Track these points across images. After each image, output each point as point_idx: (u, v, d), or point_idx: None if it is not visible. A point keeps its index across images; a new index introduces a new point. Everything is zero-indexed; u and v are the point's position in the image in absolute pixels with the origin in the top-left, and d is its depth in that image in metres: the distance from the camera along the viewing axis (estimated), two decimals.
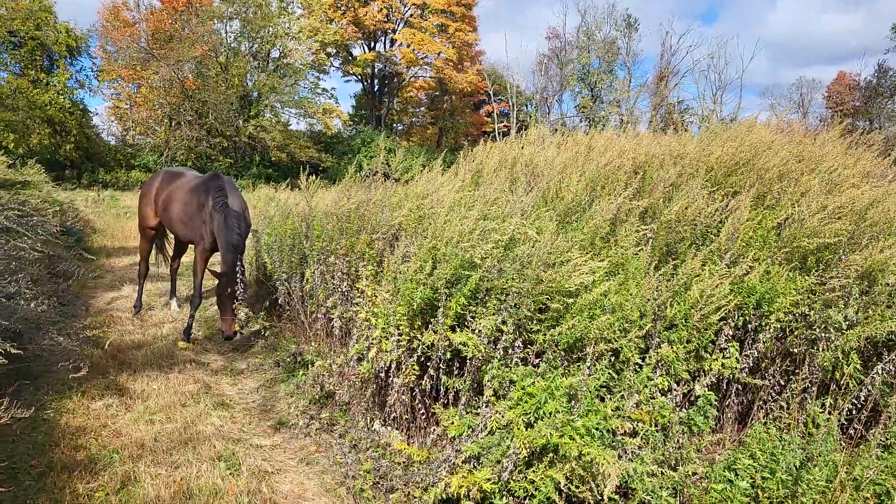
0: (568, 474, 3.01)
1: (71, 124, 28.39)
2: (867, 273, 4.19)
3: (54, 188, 14.59)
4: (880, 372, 4.04)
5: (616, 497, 3.06)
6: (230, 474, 3.87)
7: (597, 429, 3.08)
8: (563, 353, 3.63)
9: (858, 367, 4.10)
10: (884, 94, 42.50)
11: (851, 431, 4.15)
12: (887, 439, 3.71)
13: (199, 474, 3.84)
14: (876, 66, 45.46)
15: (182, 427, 4.50)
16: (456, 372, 3.91)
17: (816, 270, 4.24)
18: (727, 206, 4.60)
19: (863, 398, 4.08)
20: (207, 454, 4.11)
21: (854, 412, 4.11)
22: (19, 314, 5.10)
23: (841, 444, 4.03)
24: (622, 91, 42.95)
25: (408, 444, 3.88)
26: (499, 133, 38.49)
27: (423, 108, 46.41)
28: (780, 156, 4.89)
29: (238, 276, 5.92)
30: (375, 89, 45.01)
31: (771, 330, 4.10)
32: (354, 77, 44.80)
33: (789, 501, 3.12)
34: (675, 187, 4.91)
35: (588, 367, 3.35)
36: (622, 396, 3.54)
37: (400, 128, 47.46)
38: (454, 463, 3.39)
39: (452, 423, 3.59)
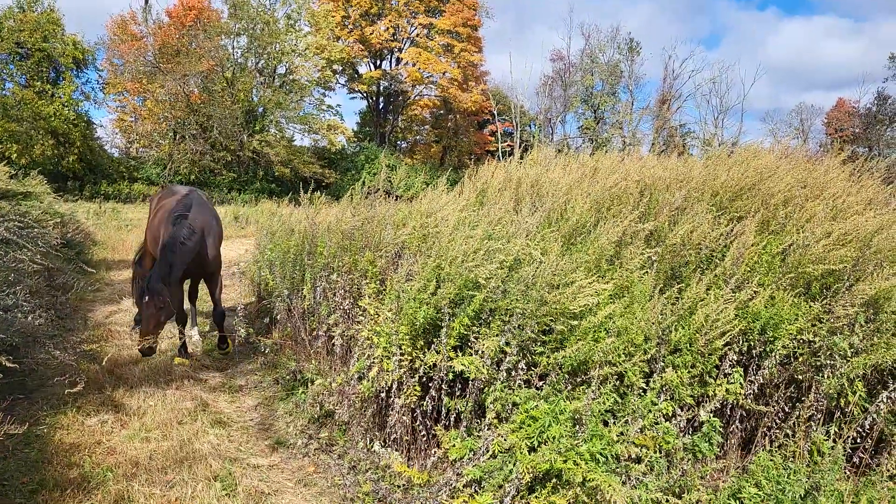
0: (571, 500, 2.96)
1: (75, 136, 28.57)
2: (872, 300, 4.15)
3: (56, 200, 14.59)
4: (885, 400, 3.99)
5: None
6: (226, 495, 3.81)
7: (601, 454, 3.03)
8: (566, 375, 3.58)
9: (863, 394, 4.05)
10: (883, 122, 42.77)
11: (856, 460, 4.09)
12: (893, 469, 3.65)
13: (194, 494, 3.78)
14: (875, 93, 45.78)
15: (178, 445, 4.44)
16: (458, 393, 3.87)
17: (822, 297, 4.21)
18: (732, 230, 4.58)
19: (868, 426, 4.03)
20: (203, 474, 4.04)
21: (859, 440, 4.06)
22: (16, 327, 5.06)
23: (846, 473, 3.97)
24: (625, 113, 43.25)
25: (408, 467, 3.82)
26: (502, 152, 38.66)
27: (427, 127, 46.72)
28: (784, 181, 4.89)
29: (158, 292, 5.31)
30: (380, 107, 45.33)
31: (776, 356, 4.05)
32: (360, 94, 45.15)
33: None
34: (680, 211, 4.90)
35: (592, 391, 3.30)
36: (626, 421, 3.49)
37: (404, 145, 47.74)
38: (455, 487, 3.33)
39: (454, 445, 3.54)
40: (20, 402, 4.90)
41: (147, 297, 5.24)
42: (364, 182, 7.16)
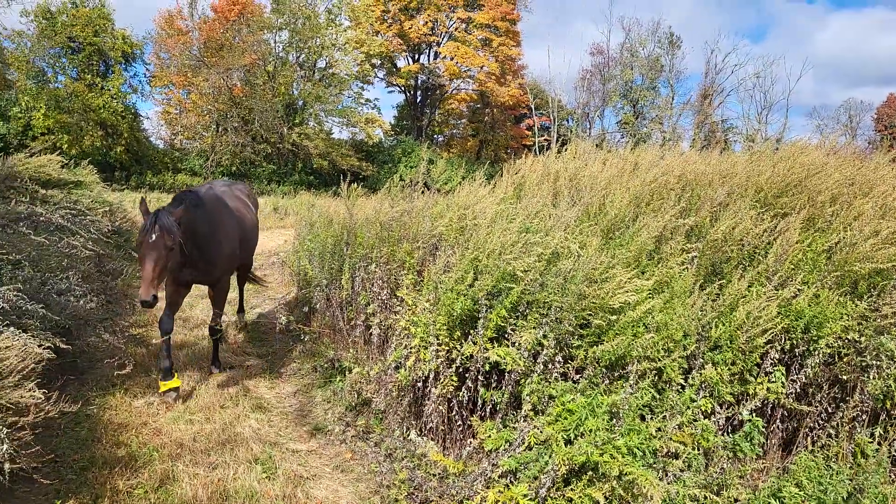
0: (607, 494, 2.96)
1: (122, 127, 29.40)
2: None
3: (104, 189, 15.06)
4: None
5: None
6: (266, 478, 3.92)
7: (638, 449, 3.02)
8: (604, 370, 3.58)
9: None
10: None
11: None
12: None
13: (235, 476, 3.89)
14: None
15: (220, 428, 4.58)
16: (494, 385, 3.89)
17: (868, 296, 4.10)
18: (776, 227, 4.49)
19: None
20: (244, 456, 4.16)
21: None
22: (69, 310, 5.29)
23: (891, 476, 3.87)
24: (665, 108, 42.45)
25: (444, 456, 3.87)
26: (539, 147, 38.38)
27: (464, 120, 46.64)
28: (832, 178, 4.76)
29: (169, 229, 4.57)
30: (418, 100, 45.43)
31: (819, 355, 3.97)
32: (397, 88, 45.32)
33: None
34: (722, 207, 4.82)
35: (630, 386, 3.29)
36: (664, 417, 3.47)
37: (440, 139, 47.76)
38: (490, 477, 3.36)
39: (489, 436, 3.57)
40: (72, 383, 5.11)
41: (156, 234, 4.43)
42: (401, 175, 7.22)
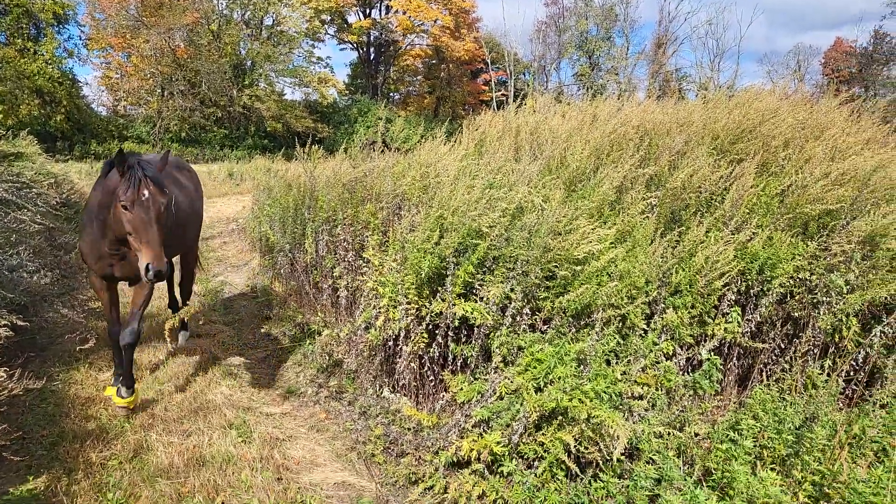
0: (577, 436, 3.08)
1: (61, 94, 28.06)
2: (869, 238, 4.23)
3: (47, 160, 14.43)
4: (878, 334, 4.12)
5: (623, 458, 3.14)
6: (242, 441, 3.94)
7: (605, 392, 3.13)
8: (570, 319, 3.67)
9: (858, 330, 4.17)
10: (879, 61, 42.19)
11: (849, 392, 4.24)
12: (885, 399, 3.79)
13: (211, 442, 3.91)
14: (872, 32, 45.00)
15: (192, 396, 4.56)
16: (464, 339, 3.96)
17: (819, 236, 4.28)
18: (732, 173, 4.61)
19: (861, 360, 4.17)
20: (218, 422, 4.17)
21: (853, 373, 4.20)
22: (23, 286, 5.12)
23: (840, 405, 4.12)
24: (620, 59, 42.52)
25: (417, 411, 3.94)
26: (497, 102, 38.16)
27: (419, 77, 45.94)
28: (786, 123, 4.89)
29: (161, 183, 3.82)
30: (371, 58, 44.46)
31: (773, 295, 4.15)
32: (350, 45, 44.22)
33: (792, 459, 3.20)
34: (680, 155, 4.91)
35: (596, 333, 3.39)
36: (629, 361, 3.60)
37: (397, 97, 47.03)
38: (464, 427, 3.46)
39: (461, 389, 3.65)
40: (33, 360, 5.00)
41: (149, 190, 3.65)
42: (358, 135, 7.10)
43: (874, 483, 2.83)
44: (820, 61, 48.24)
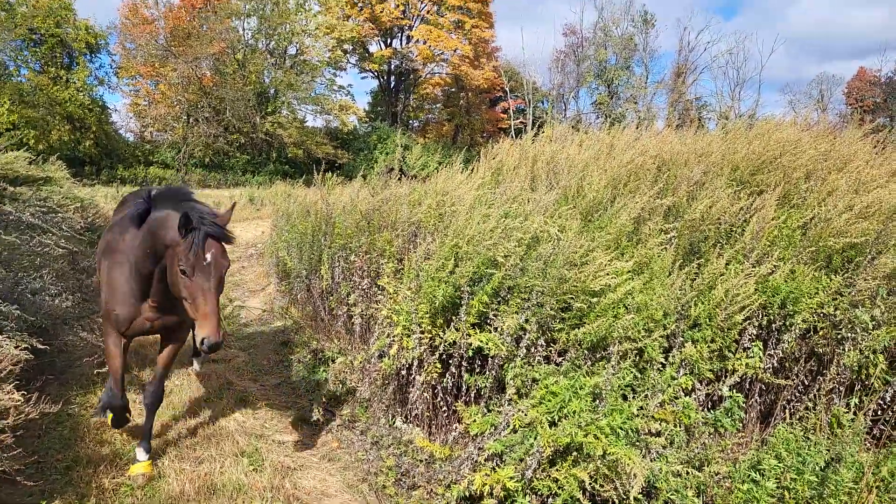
0: (592, 473, 3.00)
1: (90, 121, 28.80)
2: (894, 273, 4.13)
3: (75, 184, 14.74)
4: None
5: (640, 497, 3.05)
6: (253, 470, 3.91)
7: (621, 428, 3.06)
8: (586, 352, 3.61)
9: (884, 367, 4.04)
10: None
11: (877, 432, 4.10)
12: None
13: (222, 470, 3.88)
14: None
15: (205, 423, 4.55)
16: (478, 370, 3.91)
17: (843, 271, 4.19)
18: (752, 204, 4.55)
19: (889, 398, 4.03)
20: (230, 450, 4.15)
21: (880, 413, 4.06)
22: (45, 310, 5.19)
23: (867, 445, 3.98)
24: (639, 87, 42.66)
25: (430, 442, 3.89)
26: (515, 130, 38.38)
27: (439, 105, 46.44)
28: (807, 154, 4.83)
29: (225, 237, 3.42)
30: (391, 86, 45.08)
31: (796, 329, 4.05)
32: (370, 74, 44.92)
33: (816, 502, 3.09)
34: (699, 185, 4.87)
35: (612, 367, 3.33)
36: (646, 396, 3.52)
37: (416, 124, 47.52)
38: (477, 461, 3.39)
39: (475, 420, 3.59)
40: (51, 383, 5.03)
41: (212, 252, 3.23)
42: (377, 162, 7.16)
43: None
44: (843, 91, 47.96)
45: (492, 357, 3.72)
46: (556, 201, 4.68)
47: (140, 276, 3.61)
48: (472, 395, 3.91)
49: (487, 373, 3.77)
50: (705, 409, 3.71)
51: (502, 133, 39.48)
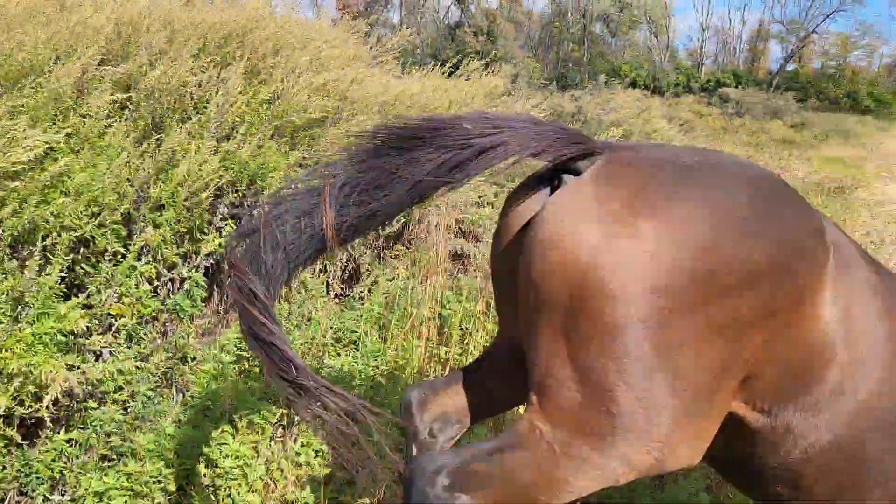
0: (16, 395, 2.43)
1: None
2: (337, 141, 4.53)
3: None
4: None
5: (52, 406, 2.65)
6: None
7: (54, 335, 2.54)
8: (8, 248, 2.87)
9: None
10: None
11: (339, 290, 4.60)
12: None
13: None
14: None
15: None
16: None
17: (302, 145, 4.39)
18: (219, 76, 4.30)
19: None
20: None
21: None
22: None
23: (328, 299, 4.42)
24: None
25: None
26: None
27: None
28: (270, 28, 4.82)
29: None
30: None
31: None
32: None
33: None
34: (163, 54, 4.34)
35: (37, 263, 2.71)
36: (99, 291, 3.04)
37: None
38: None
39: None
40: None
41: None
42: None
43: None
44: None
45: None
46: None
47: None
48: None
49: None
50: (170, 295, 3.45)
51: None
